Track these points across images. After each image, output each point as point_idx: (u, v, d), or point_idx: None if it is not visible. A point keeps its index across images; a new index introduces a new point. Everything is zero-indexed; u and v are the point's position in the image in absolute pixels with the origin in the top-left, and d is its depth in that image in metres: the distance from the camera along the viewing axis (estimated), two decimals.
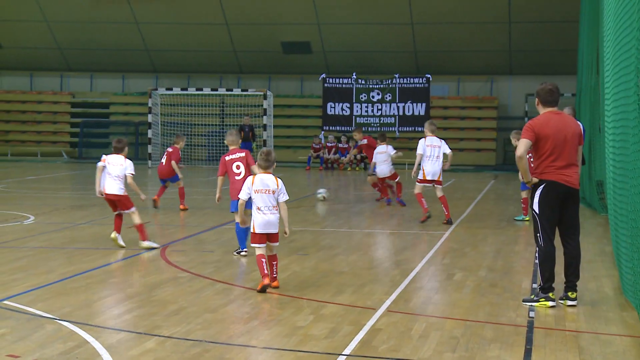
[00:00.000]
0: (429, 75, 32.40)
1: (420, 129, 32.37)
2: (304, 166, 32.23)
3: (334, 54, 34.39)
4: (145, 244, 12.43)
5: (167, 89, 32.60)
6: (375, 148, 18.82)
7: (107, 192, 12.53)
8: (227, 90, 32.90)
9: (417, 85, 32.47)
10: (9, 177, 25.27)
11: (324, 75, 32.95)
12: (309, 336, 7.77)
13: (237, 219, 11.50)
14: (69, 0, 33.48)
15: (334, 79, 32.96)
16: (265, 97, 31.59)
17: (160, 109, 32.43)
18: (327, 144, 32.63)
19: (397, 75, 32.56)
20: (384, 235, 14.62)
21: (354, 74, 32.78)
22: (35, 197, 19.20)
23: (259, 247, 9.70)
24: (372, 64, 34.23)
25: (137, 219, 12.46)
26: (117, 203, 12.58)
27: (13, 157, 34.04)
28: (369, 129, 32.39)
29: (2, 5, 33.60)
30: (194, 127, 33.73)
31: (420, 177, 15.79)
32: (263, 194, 9.66)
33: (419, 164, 15.74)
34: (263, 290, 9.61)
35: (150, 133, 31.62)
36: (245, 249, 11.91)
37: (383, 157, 18.58)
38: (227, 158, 12.07)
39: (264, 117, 31.50)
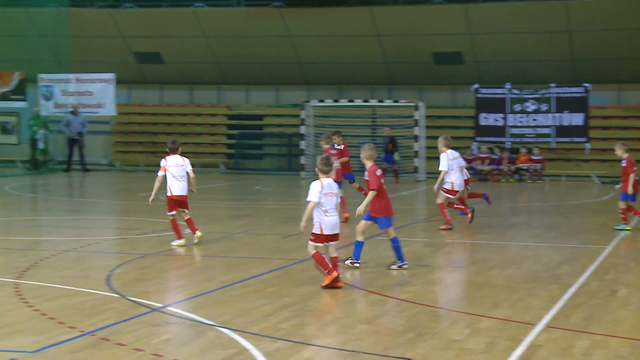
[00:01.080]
0: (587, 85, 31.45)
1: (578, 139, 31.43)
2: None
3: (486, 63, 33.93)
4: (181, 242, 13.50)
5: (319, 101, 33.02)
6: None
7: (175, 194, 13.58)
8: (378, 101, 32.99)
9: (575, 95, 31.56)
10: None
11: (476, 86, 32.56)
12: (466, 350, 7.67)
13: (393, 234, 11.57)
14: (226, 15, 34.49)
15: (486, 89, 32.52)
16: (416, 108, 31.50)
17: (313, 121, 32.90)
18: (480, 155, 32.21)
19: (553, 85, 31.77)
20: (541, 249, 14.26)
21: (508, 84, 32.22)
22: (195, 207, 19.81)
23: (320, 246, 10.35)
24: (527, 74, 33.54)
25: (188, 216, 13.73)
26: (182, 203, 13.74)
27: None
28: (524, 139, 31.76)
29: (164, 22, 34.94)
30: (344, 138, 33.99)
31: (449, 187, 16.31)
32: (331, 197, 10.24)
33: (442, 180, 16.35)
34: (334, 281, 10.17)
35: (303, 144, 32.13)
36: (405, 263, 11.84)
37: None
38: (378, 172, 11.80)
39: (416, 128, 31.39)
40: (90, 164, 34.37)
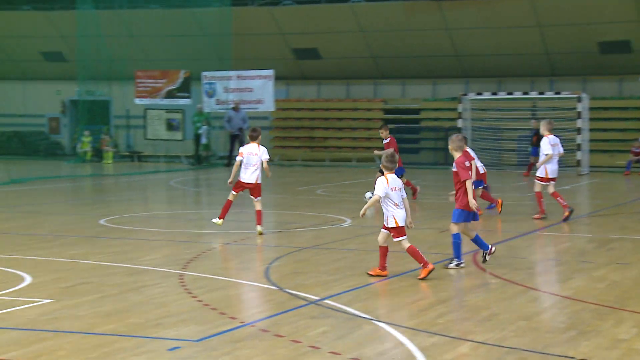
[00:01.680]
0: None
1: None
2: (622, 171, 30.69)
3: None
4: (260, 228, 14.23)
5: (477, 94, 32.52)
6: None
7: (246, 181, 14.25)
8: (538, 93, 32.16)
9: None
10: (328, 182, 26.52)
11: None
12: (634, 350, 7.35)
13: (456, 230, 11.25)
14: (383, 10, 34.50)
15: None
16: (579, 99, 30.49)
17: (470, 114, 32.44)
18: None
19: None
20: None
21: None
22: (351, 201, 19.94)
23: (406, 238, 10.55)
24: None
25: (259, 206, 14.35)
26: (253, 190, 14.33)
27: (331, 163, 35.66)
28: None
29: (322, 18, 35.33)
30: (503, 131, 33.37)
31: (542, 175, 16.15)
32: (397, 191, 10.54)
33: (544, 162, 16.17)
34: (429, 274, 10.38)
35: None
36: (462, 262, 11.34)
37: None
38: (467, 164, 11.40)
39: (579, 120, 30.40)
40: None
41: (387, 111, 36.56)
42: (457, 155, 11.24)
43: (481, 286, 10.21)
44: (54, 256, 12.21)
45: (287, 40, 36.38)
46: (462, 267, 11.24)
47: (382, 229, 10.72)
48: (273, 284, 10.22)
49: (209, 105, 35.25)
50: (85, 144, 36.37)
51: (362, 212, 10.73)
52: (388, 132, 19.28)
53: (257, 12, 35.92)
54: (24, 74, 39.82)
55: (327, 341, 7.63)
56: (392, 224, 10.57)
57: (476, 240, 11.48)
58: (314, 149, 36.93)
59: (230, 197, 14.65)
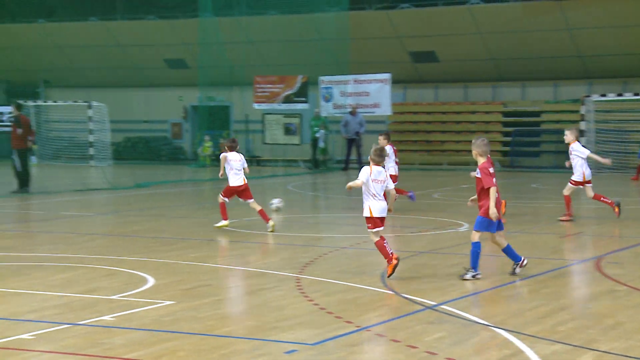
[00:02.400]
0: None
1: None
2: None
3: None
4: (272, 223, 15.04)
5: (601, 95, 31.60)
6: None
7: (234, 184, 15.41)
8: None
9: None
10: (445, 186, 26.27)
11: None
12: None
13: (477, 238, 10.80)
14: (502, 11, 33.97)
15: None
16: None
17: (594, 116, 31.54)
18: None
19: None
20: None
21: None
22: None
23: (378, 231, 10.73)
24: None
25: (256, 206, 15.38)
26: (242, 193, 15.52)
27: (449, 167, 35.32)
28: None
29: (439, 21, 35.05)
30: (629, 133, 32.32)
31: (579, 179, 16.45)
32: (379, 183, 10.79)
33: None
34: (394, 269, 10.50)
35: (583, 141, 30.90)
36: (478, 273, 10.75)
37: None
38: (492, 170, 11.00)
39: None
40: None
41: (506, 114, 35.95)
42: (481, 160, 10.91)
43: (606, 293, 9.89)
44: (175, 259, 12.50)
45: (404, 43, 36.24)
46: (478, 279, 10.67)
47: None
48: (389, 289, 10.18)
49: (326, 110, 35.47)
50: (206, 148, 37.16)
51: (347, 185, 11.01)
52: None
53: (374, 16, 35.93)
54: (148, 81, 41.02)
55: (443, 347, 7.54)
56: (366, 214, 10.79)
57: (507, 251, 10.98)
58: (431, 152, 36.65)
59: (221, 200, 15.61)
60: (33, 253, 13.22)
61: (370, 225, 10.82)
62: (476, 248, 10.65)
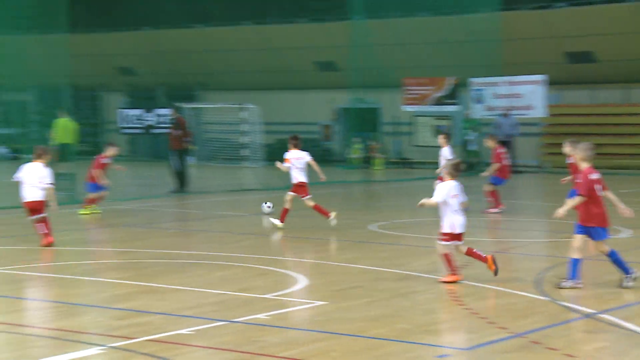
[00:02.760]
0: None
1: None
2: None
3: None
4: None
5: None
6: None
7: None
8: None
9: None
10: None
11: None
12: None
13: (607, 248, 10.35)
14: None
15: None
16: None
17: None
18: None
19: None
20: None
21: None
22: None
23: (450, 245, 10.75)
24: None
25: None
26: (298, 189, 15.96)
27: (608, 171, 34.09)
28: None
29: (598, 20, 33.92)
30: None
31: None
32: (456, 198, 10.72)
33: None
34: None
35: None
36: (631, 274, 10.21)
37: None
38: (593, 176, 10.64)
39: None
40: (520, 165, 34.46)
41: None
42: (584, 165, 10.54)
43: None
44: (327, 260, 12.60)
45: (560, 44, 35.26)
46: (579, 288, 10.14)
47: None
48: (544, 295, 9.91)
49: (477, 112, 34.98)
50: (356, 150, 37.33)
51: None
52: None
53: (528, 16, 35.13)
54: (299, 84, 41.62)
55: (605, 357, 7.27)
56: (448, 230, 10.75)
57: (575, 263, 10.39)
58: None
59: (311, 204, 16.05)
60: (191, 251, 13.63)
61: (447, 238, 10.75)
62: (614, 256, 10.35)
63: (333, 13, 38.90)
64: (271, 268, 11.79)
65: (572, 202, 10.48)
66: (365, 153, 37.98)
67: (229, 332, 8.27)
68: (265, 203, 18.38)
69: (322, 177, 16.64)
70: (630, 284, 10.18)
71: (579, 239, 10.35)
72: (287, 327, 8.40)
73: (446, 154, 19.05)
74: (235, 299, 9.82)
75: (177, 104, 26.74)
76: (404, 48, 37.34)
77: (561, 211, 10.44)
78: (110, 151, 18.67)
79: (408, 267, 11.97)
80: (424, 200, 10.87)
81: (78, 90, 41.15)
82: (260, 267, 11.97)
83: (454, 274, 10.69)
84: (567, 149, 15.27)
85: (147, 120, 41.96)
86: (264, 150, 37.46)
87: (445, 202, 10.74)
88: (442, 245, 10.82)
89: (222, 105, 39.41)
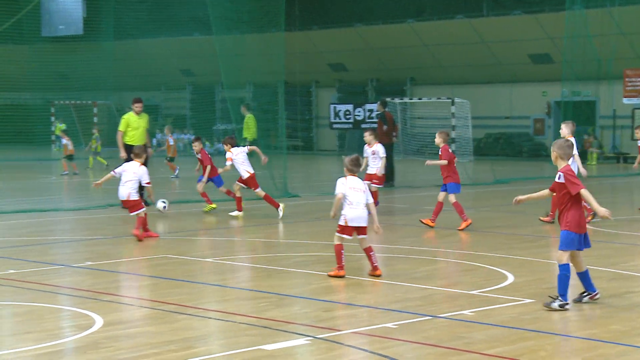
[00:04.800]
0: None
1: None
2: None
3: None
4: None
5: None
6: None
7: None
8: None
9: None
10: None
11: None
12: None
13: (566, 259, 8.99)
14: None
15: None
16: None
17: None
18: None
19: None
20: None
21: None
22: None
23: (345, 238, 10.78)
24: None
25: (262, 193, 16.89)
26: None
27: None
28: None
29: None
30: None
31: None
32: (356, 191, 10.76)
33: None
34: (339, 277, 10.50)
35: None
36: (567, 303, 8.87)
37: None
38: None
39: None
40: None
41: None
42: (562, 164, 9.17)
43: None
44: (534, 256, 12.26)
45: None
46: (567, 309, 8.83)
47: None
48: None
49: None
50: None
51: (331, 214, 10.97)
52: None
53: None
54: (512, 77, 40.80)
55: None
56: (342, 222, 10.79)
57: (583, 276, 9.18)
58: None
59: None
60: (396, 245, 13.68)
61: (339, 230, 10.80)
62: (564, 271, 8.93)
63: (549, 4, 37.80)
64: (478, 264, 11.62)
65: (590, 196, 8.99)
66: (579, 148, 36.68)
67: (434, 327, 8.22)
68: (162, 200, 17.57)
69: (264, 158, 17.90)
70: (581, 300, 9.21)
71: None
72: (494, 324, 8.24)
73: None
74: (440, 293, 9.76)
75: (384, 99, 26.89)
76: (625, 38, 35.72)
77: (599, 207, 9.02)
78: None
79: (623, 267, 11.43)
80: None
81: (291, 87, 42.47)
82: (467, 262, 11.82)
83: (340, 269, 10.71)
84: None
85: (357, 115, 42.60)
86: (472, 144, 37.00)
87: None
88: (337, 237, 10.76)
89: (431, 100, 39.30)
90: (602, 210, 8.91)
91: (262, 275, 10.94)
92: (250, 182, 16.97)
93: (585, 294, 9.18)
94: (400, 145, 35.60)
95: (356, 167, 10.97)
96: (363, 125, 40.48)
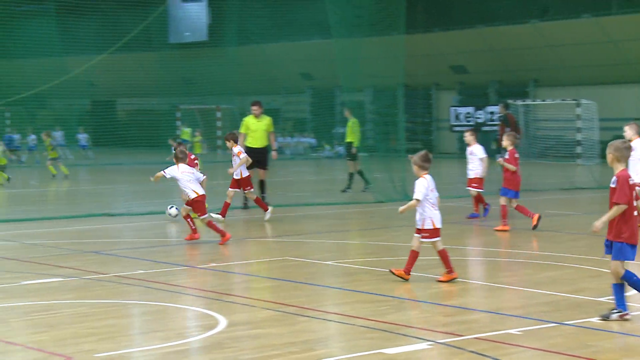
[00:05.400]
0: None
1: None
2: None
3: None
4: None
5: None
6: None
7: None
8: None
9: None
10: None
11: None
12: None
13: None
14: None
15: None
16: None
17: None
18: None
19: None
20: None
21: None
22: None
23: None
24: None
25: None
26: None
27: None
28: None
29: None
30: None
31: None
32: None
33: None
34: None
35: None
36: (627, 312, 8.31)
37: None
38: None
39: None
40: None
41: None
42: (619, 167, 8.51)
43: None
44: None
45: None
46: (627, 319, 8.24)
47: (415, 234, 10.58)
48: None
49: None
50: None
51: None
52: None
53: None
54: (639, 77, 39.48)
55: None
56: (429, 225, 10.50)
57: (619, 290, 8.45)
58: None
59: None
60: (519, 250, 13.42)
61: (427, 235, 10.61)
62: (630, 277, 8.47)
63: None
64: (604, 270, 11.26)
65: (611, 212, 8.50)
66: None
67: (559, 334, 8.02)
68: (171, 207, 17.03)
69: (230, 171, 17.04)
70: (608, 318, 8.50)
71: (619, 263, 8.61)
72: (624, 333, 7.97)
73: None
74: (565, 300, 9.51)
75: (506, 101, 26.46)
76: None
77: (599, 224, 8.62)
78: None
79: None
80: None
81: (411, 90, 42.28)
82: (594, 268, 11.48)
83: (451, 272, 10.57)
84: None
85: (478, 117, 42.03)
86: (599, 147, 35.97)
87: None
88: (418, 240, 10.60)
89: (555, 102, 38.43)
90: (598, 224, 8.55)
91: (381, 279, 10.92)
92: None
93: (615, 310, 8.53)
94: (523, 148, 34.94)
95: (427, 163, 10.74)
96: (484, 128, 39.97)
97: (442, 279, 10.55)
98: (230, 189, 17.00)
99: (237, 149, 16.98)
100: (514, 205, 15.64)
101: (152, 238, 15.11)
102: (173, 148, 19.12)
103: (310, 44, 44.17)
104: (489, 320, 8.65)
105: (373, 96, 40.98)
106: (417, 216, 10.63)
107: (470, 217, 17.17)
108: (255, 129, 19.26)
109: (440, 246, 10.57)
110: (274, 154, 19.81)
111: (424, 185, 10.51)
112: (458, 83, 44.96)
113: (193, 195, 14.16)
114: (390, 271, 10.76)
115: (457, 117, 43.24)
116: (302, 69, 47.84)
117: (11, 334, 8.28)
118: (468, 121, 41.87)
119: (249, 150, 19.09)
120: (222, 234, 14.10)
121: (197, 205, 14.18)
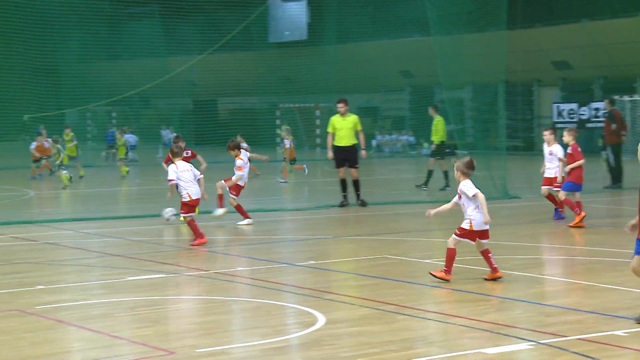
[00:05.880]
0: None
1: None
2: None
3: None
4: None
5: None
6: None
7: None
8: None
9: None
10: None
11: None
12: None
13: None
14: None
15: None
16: None
17: None
18: None
19: None
20: None
21: None
22: None
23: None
24: None
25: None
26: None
27: None
28: None
29: None
30: None
31: None
32: None
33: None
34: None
35: None
36: None
37: None
38: None
39: None
40: None
41: None
42: None
43: None
44: None
45: None
46: None
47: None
48: None
49: None
50: None
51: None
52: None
53: None
54: None
55: None
56: (466, 225, 10.48)
57: None
58: None
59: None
60: (625, 249, 13.05)
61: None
62: None
63: None
64: None
65: None
66: None
67: None
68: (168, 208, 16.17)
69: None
70: None
71: None
72: None
73: None
74: None
75: (612, 97, 25.77)
76: None
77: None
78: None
79: None
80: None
81: (512, 86, 41.61)
82: None
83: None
84: None
85: (581, 114, 41.06)
86: None
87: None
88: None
89: None
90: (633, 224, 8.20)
91: (480, 277, 10.77)
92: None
93: None
94: (629, 144, 33.98)
95: (471, 170, 10.58)
96: (588, 125, 39.04)
97: (436, 274, 10.53)
98: (230, 190, 16.33)
99: (239, 162, 16.13)
100: (564, 197, 15.38)
101: (252, 235, 15.29)
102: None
103: (410, 41, 43.92)
104: (593, 321, 8.44)
105: (473, 93, 40.50)
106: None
107: (556, 217, 16.68)
108: (341, 127, 19.08)
109: (452, 245, 10.54)
110: (363, 152, 19.58)
111: (471, 183, 10.51)
112: (560, 79, 44.00)
113: (186, 198, 13.82)
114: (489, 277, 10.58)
115: (559, 114, 42.31)
116: (402, 66, 47.62)
117: (117, 328, 8.50)
118: (571, 118, 40.95)
119: (337, 149, 19.01)
120: (200, 235, 13.62)
121: (186, 207, 13.83)
